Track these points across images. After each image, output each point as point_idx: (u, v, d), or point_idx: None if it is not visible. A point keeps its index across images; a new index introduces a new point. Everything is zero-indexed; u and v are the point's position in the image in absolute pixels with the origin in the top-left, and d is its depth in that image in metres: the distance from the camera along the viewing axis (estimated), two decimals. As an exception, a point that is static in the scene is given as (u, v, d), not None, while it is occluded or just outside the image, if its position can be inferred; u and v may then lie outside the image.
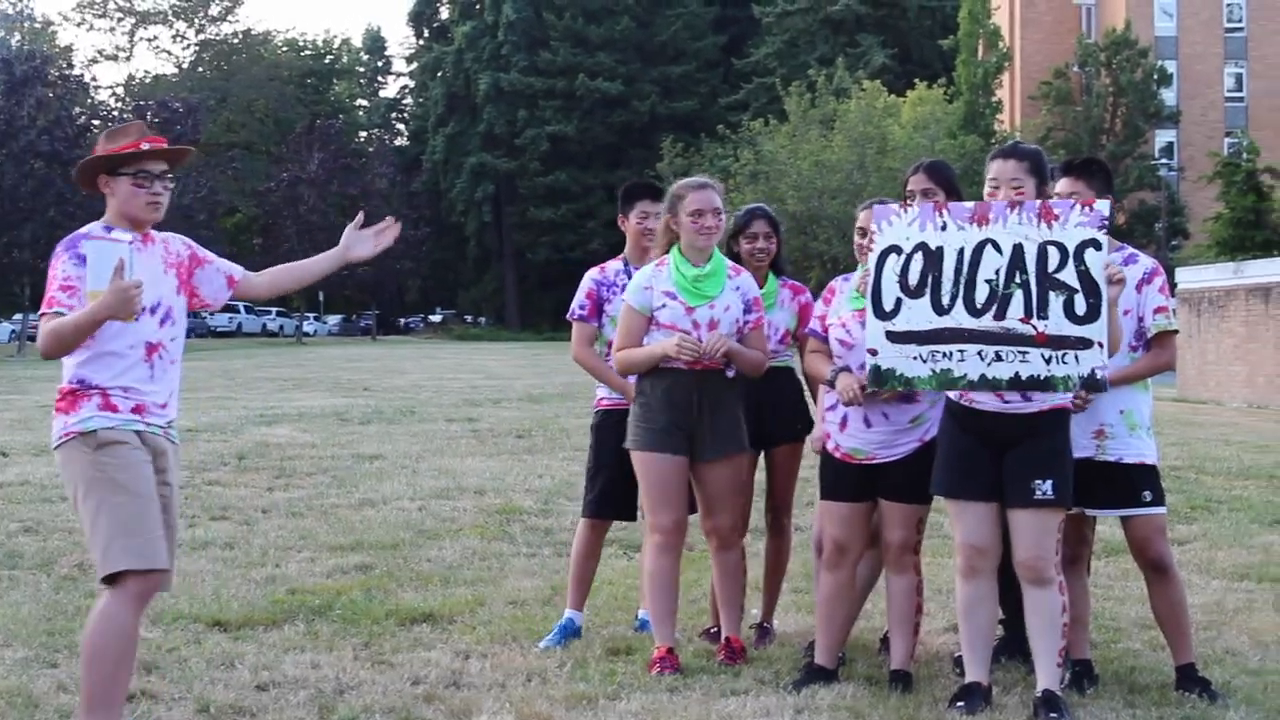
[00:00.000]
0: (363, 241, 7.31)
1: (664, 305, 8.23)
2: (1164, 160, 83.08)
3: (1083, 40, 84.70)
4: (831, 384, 7.88)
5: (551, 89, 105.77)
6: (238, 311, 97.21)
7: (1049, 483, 7.30)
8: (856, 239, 8.12)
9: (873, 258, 7.47)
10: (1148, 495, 7.74)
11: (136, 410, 6.49)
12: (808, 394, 8.89)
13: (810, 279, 54.74)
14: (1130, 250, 7.96)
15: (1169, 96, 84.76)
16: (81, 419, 6.42)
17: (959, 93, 77.46)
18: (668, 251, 8.38)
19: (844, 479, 7.95)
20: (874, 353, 7.44)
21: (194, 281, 6.88)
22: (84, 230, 6.62)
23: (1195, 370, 35.80)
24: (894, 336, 7.40)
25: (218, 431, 21.89)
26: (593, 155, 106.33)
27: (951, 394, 7.55)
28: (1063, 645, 7.43)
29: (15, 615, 9.20)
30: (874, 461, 7.88)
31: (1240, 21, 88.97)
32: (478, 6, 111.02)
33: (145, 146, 6.61)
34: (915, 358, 7.36)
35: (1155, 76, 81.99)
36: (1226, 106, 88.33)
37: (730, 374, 8.24)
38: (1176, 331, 7.95)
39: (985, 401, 7.43)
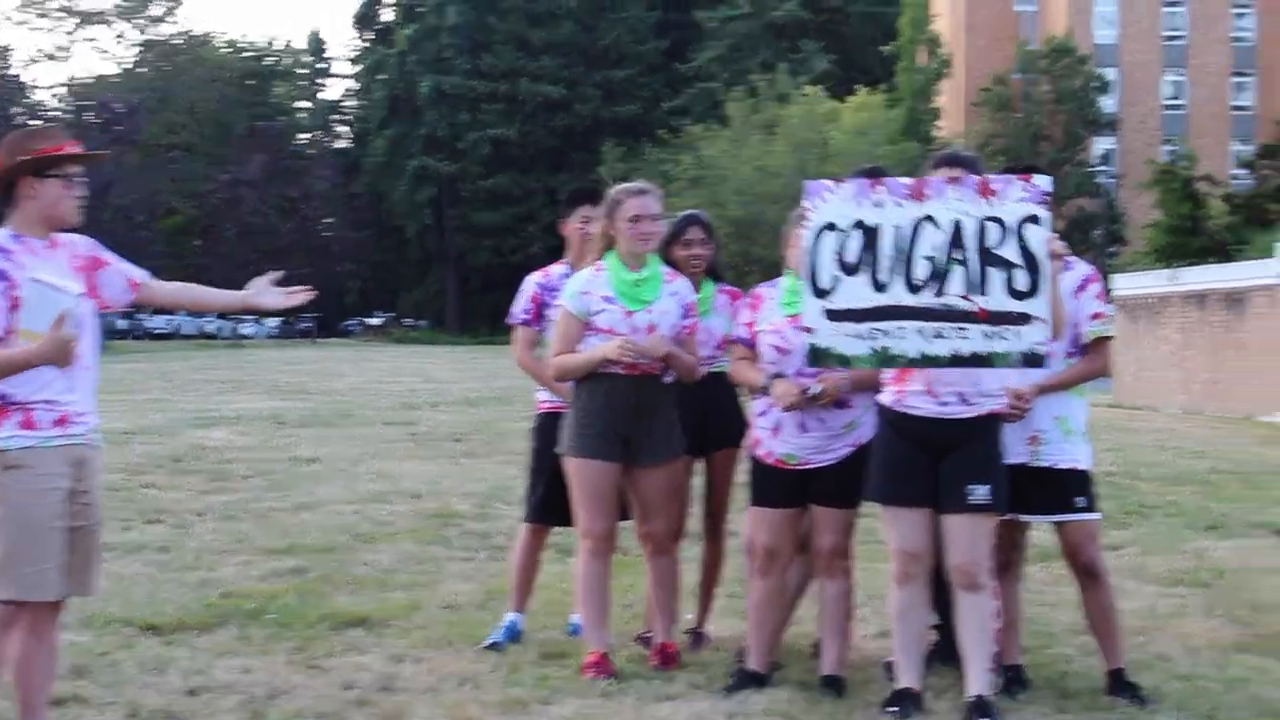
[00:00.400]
0: (271, 295, 7.24)
1: (602, 310, 8.20)
2: (1103, 167, 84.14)
3: (1023, 47, 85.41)
4: (765, 391, 7.87)
5: (494, 92, 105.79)
6: (175, 313, 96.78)
7: (984, 488, 7.31)
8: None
9: (808, 235, 7.43)
10: (1080, 501, 7.78)
11: (60, 422, 6.44)
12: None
13: (751, 284, 54.82)
14: (1068, 258, 7.96)
15: (1108, 104, 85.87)
16: (1, 437, 6.37)
17: (900, 99, 78.36)
18: (603, 256, 8.38)
19: (775, 485, 7.95)
20: (810, 331, 7.40)
21: (97, 282, 6.77)
22: None
23: (1131, 376, 35.96)
24: (832, 315, 7.35)
25: (154, 434, 21.83)
26: (535, 159, 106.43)
27: (886, 399, 7.55)
28: (995, 650, 7.49)
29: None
30: (807, 467, 7.88)
31: (1180, 30, 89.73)
32: (421, 9, 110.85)
33: (68, 150, 6.57)
34: (854, 335, 7.32)
35: (1095, 84, 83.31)
36: (1165, 114, 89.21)
37: (667, 379, 8.24)
38: (1112, 338, 8.01)
39: (921, 407, 7.42)
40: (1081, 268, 7.98)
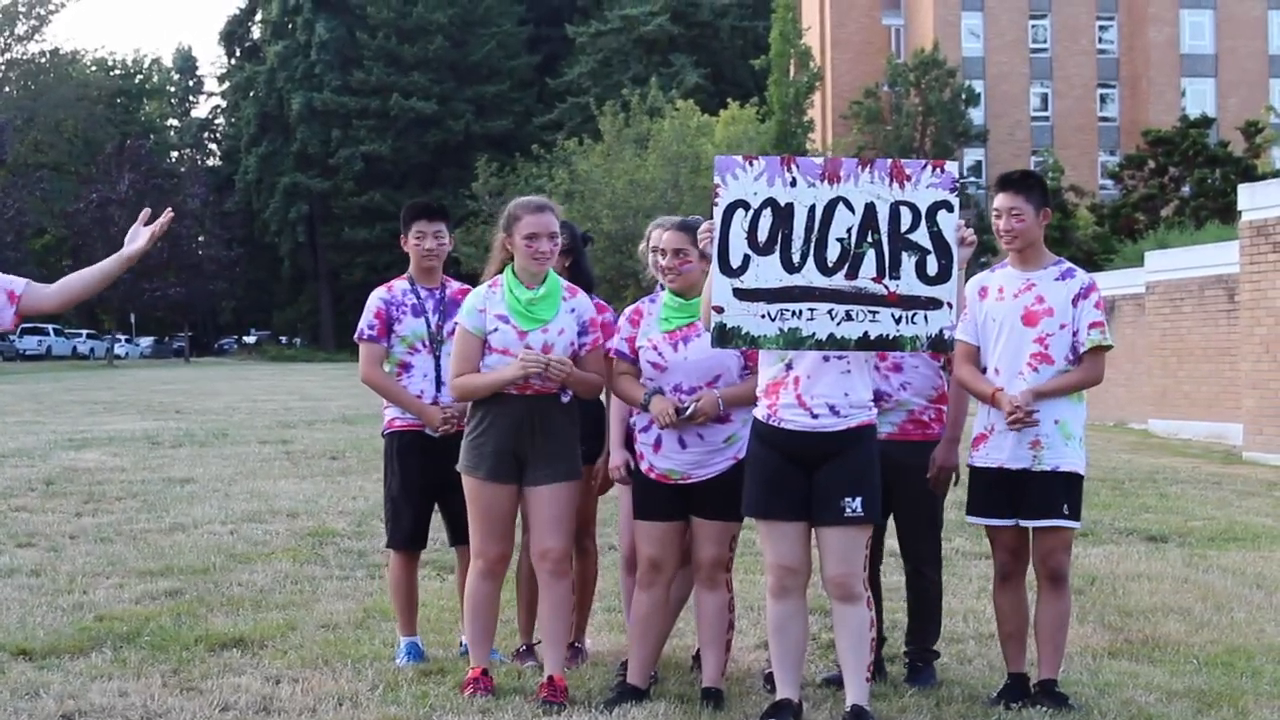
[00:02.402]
0: (139, 235, 7.12)
1: (496, 329, 8.11)
2: (973, 179, 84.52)
3: (892, 60, 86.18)
4: (645, 407, 7.90)
5: (365, 108, 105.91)
6: (47, 334, 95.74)
7: (858, 500, 7.31)
8: (655, 259, 8.12)
9: (718, 212, 7.34)
10: (1066, 509, 7.87)
11: None
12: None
13: (626, 298, 54.98)
14: (1068, 265, 8.08)
15: (977, 116, 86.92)
16: None
17: (771, 112, 78.61)
18: (501, 271, 8.29)
19: (657, 498, 7.95)
20: (720, 310, 7.33)
21: None
22: None
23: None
24: (741, 294, 7.31)
25: (25, 456, 21.55)
26: (407, 175, 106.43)
27: (759, 413, 7.54)
28: (870, 660, 7.49)
29: None
30: (688, 481, 7.89)
31: (1045, 43, 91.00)
32: (290, 26, 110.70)
33: None
34: (763, 315, 7.29)
35: (963, 96, 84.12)
36: (1033, 126, 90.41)
37: (564, 398, 8.15)
38: (1110, 346, 8.05)
39: (794, 420, 7.40)
40: (1082, 276, 8.03)
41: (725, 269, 7.32)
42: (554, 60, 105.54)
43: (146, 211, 7.18)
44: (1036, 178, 8.20)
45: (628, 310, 8.28)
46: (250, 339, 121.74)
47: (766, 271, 7.28)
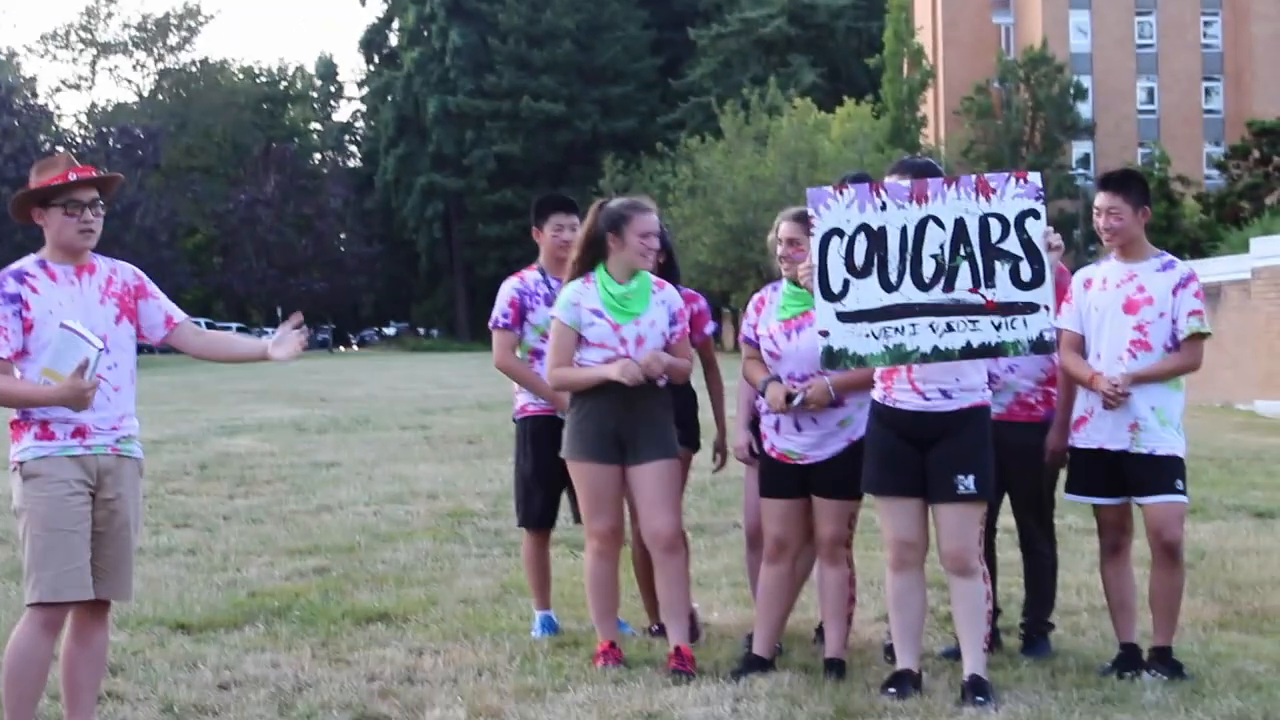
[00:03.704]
0: (284, 347, 7.20)
1: (592, 323, 8.12)
2: (1081, 170, 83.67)
3: (1002, 57, 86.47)
4: (763, 392, 8.01)
5: (497, 111, 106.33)
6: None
7: (971, 478, 7.39)
8: (780, 249, 8.17)
9: (815, 241, 7.46)
10: (1179, 485, 7.90)
11: (78, 434, 6.48)
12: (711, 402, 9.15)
13: (747, 288, 56.93)
14: (1169, 257, 8.11)
15: (1084, 110, 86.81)
16: (20, 449, 6.45)
17: (885, 109, 79.35)
18: (588, 267, 8.29)
19: (781, 478, 8.04)
20: (825, 334, 7.44)
21: (137, 311, 6.79)
22: (16, 266, 6.60)
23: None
24: (844, 317, 7.40)
25: (180, 443, 21.96)
26: (537, 173, 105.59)
27: (875, 395, 7.64)
28: (988, 631, 7.65)
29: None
30: (806, 462, 7.95)
31: (1150, 39, 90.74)
32: (425, 33, 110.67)
33: (72, 177, 6.54)
34: (867, 335, 7.37)
35: (1071, 91, 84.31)
36: (1139, 119, 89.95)
37: (661, 384, 8.17)
38: (1208, 334, 8.01)
39: (907, 401, 7.50)
40: (1182, 267, 8.02)
41: (826, 294, 7.44)
42: (676, 62, 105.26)
43: (298, 316, 7.36)
44: (1136, 177, 8.20)
45: (754, 298, 8.38)
46: (390, 331, 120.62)
47: (866, 294, 7.38)
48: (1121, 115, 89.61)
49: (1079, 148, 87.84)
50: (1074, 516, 11.90)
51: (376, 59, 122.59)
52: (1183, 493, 7.94)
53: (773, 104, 75.84)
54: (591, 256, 8.27)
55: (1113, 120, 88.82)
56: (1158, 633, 8.03)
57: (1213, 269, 33.37)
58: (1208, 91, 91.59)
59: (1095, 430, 7.99)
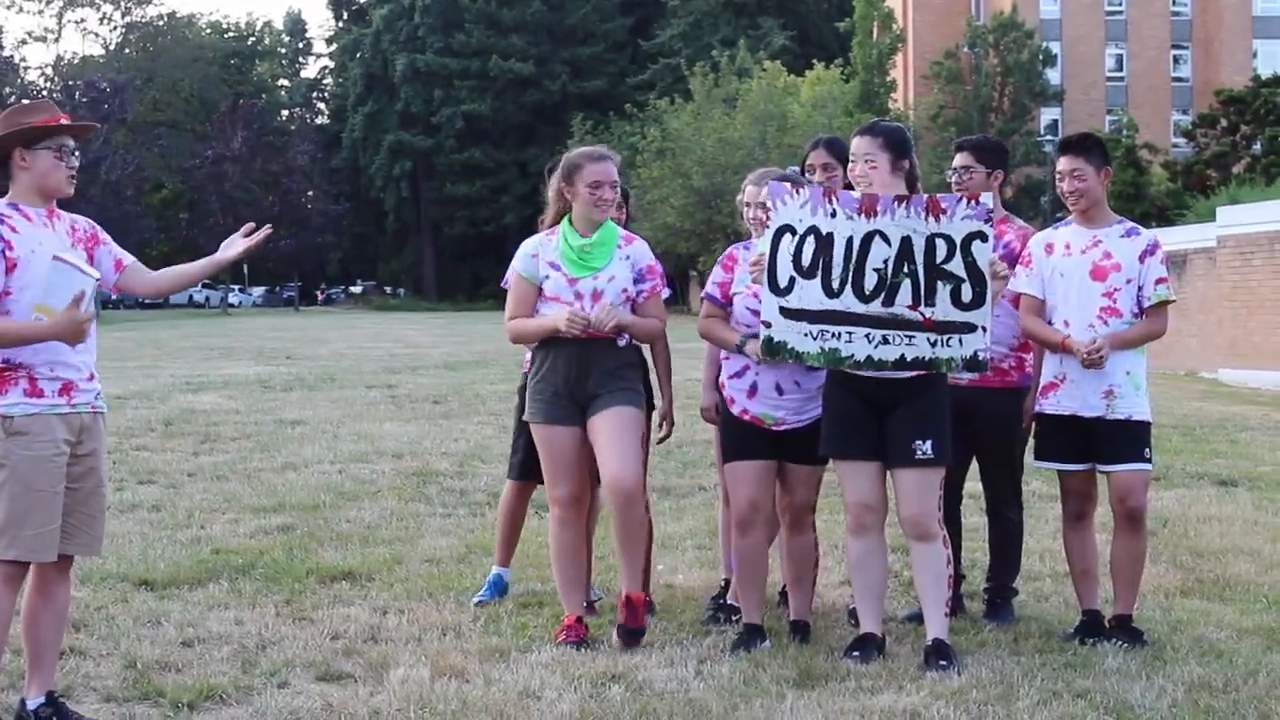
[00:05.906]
0: (234, 244, 7.13)
1: (548, 276, 8.04)
2: (1049, 137, 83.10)
3: (972, 23, 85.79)
4: (740, 350, 7.87)
5: (466, 70, 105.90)
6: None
7: (929, 443, 7.44)
8: (749, 213, 8.17)
9: (768, 234, 7.52)
10: (1146, 452, 8.02)
11: (64, 391, 6.47)
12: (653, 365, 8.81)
13: (715, 250, 56.81)
14: (1130, 223, 8.17)
15: (1053, 76, 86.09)
16: (8, 403, 6.36)
17: (855, 73, 78.80)
18: (558, 221, 8.19)
19: (751, 440, 7.95)
20: (768, 325, 7.52)
21: (95, 258, 6.75)
22: None
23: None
24: (787, 312, 7.48)
25: (145, 399, 21.78)
26: (506, 133, 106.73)
27: None
28: (948, 596, 7.60)
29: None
30: (782, 428, 7.90)
31: (1120, 6, 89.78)
32: None
33: (64, 121, 6.56)
34: (806, 334, 7.45)
35: (1040, 57, 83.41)
36: (1108, 86, 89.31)
37: (621, 343, 8.07)
38: (1173, 301, 8.15)
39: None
40: (1146, 234, 8.10)
41: (774, 288, 7.51)
42: (646, 23, 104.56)
43: (249, 225, 7.26)
44: (1095, 139, 8.28)
45: (721, 256, 8.29)
46: (356, 289, 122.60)
47: (809, 294, 7.45)
48: (1090, 82, 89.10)
49: (1047, 114, 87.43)
50: (1038, 482, 11.96)
51: (345, 15, 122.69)
52: (1149, 460, 8.04)
53: (742, 66, 76.09)
54: (558, 209, 8.21)
55: (1081, 87, 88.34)
56: (1119, 601, 8.11)
57: (1179, 237, 33.92)
58: (1176, 59, 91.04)
59: (1068, 398, 8.07)
